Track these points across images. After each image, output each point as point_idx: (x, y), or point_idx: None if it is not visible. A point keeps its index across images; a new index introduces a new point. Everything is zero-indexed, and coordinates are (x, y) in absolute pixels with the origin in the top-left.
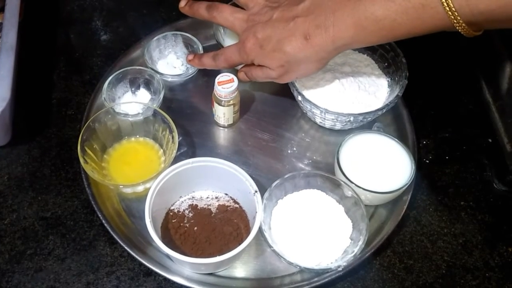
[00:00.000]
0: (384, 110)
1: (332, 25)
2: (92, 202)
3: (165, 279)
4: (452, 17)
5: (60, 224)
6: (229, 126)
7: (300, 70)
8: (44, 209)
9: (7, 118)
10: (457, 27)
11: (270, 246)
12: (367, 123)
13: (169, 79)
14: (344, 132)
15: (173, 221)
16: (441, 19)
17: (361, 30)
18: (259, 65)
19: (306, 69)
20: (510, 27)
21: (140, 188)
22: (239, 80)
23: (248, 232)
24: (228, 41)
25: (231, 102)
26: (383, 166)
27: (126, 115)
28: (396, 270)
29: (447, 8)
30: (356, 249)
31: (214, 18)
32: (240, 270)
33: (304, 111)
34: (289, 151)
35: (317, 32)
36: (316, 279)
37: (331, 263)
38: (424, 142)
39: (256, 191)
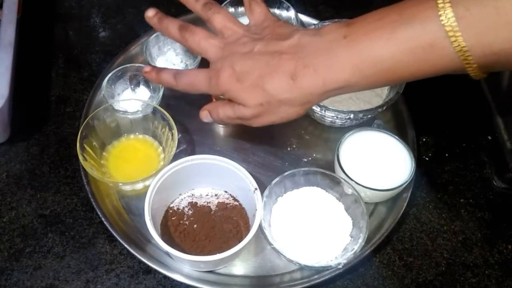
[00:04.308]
0: (384, 107)
1: (323, 66)
2: (91, 200)
3: (165, 276)
4: (463, 58)
5: (59, 222)
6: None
7: (279, 113)
8: (43, 207)
9: (5, 115)
10: (467, 69)
11: (270, 244)
12: (367, 120)
13: None
14: (344, 129)
15: (173, 218)
16: (450, 61)
17: (357, 72)
18: (228, 102)
19: (286, 114)
20: None
21: (139, 186)
22: (201, 119)
23: (247, 229)
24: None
25: None
26: (383, 163)
27: (125, 112)
28: (396, 267)
29: (458, 48)
30: (356, 247)
31: (185, 41)
32: (240, 268)
33: None
34: (288, 149)
35: (305, 72)
36: (316, 276)
37: (331, 260)
38: (424, 140)
39: (256, 189)
